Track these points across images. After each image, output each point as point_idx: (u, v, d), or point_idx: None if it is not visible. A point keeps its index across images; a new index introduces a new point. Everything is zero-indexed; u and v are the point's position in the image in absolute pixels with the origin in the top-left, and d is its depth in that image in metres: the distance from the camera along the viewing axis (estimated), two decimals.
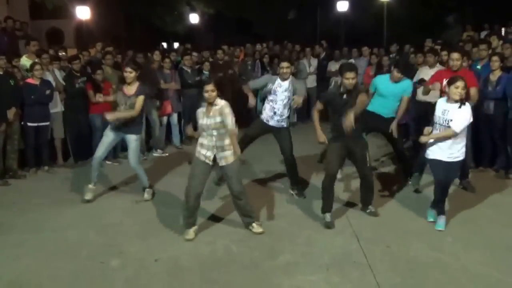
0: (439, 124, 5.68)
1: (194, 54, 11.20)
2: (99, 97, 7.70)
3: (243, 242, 5.52)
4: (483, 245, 5.35)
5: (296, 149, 7.04)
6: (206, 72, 10.63)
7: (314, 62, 12.69)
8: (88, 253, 5.33)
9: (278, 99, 6.75)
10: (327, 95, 6.34)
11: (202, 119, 5.55)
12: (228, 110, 5.50)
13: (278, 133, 6.91)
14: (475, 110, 6.35)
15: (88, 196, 6.85)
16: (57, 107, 8.66)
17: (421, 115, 7.86)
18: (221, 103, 5.53)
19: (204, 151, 5.60)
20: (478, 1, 22.00)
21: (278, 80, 6.77)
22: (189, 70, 10.34)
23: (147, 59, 10.22)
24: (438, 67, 8.12)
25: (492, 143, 7.73)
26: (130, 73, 6.65)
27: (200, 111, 5.61)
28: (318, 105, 6.24)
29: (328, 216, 5.95)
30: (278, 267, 4.94)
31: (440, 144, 5.68)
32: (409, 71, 7.43)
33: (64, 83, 8.75)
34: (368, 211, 6.28)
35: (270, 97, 6.81)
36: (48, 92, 8.20)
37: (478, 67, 8.05)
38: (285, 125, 6.88)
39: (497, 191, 7.06)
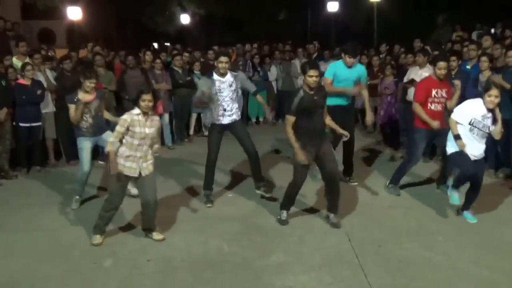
0: (477, 128, 5.72)
1: (185, 54, 11.22)
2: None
3: (235, 242, 5.54)
4: (473, 244, 5.41)
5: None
6: (197, 72, 10.69)
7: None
8: (81, 253, 5.33)
9: (226, 96, 6.55)
10: (299, 104, 5.66)
11: (141, 128, 5.33)
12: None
13: (234, 128, 6.68)
14: None
15: (75, 206, 6.72)
16: (48, 107, 8.66)
17: (411, 115, 7.89)
18: (156, 116, 5.55)
19: (130, 163, 5.42)
20: (467, 2, 22.20)
21: (217, 77, 6.51)
22: (179, 71, 10.39)
23: (138, 60, 10.22)
24: (428, 67, 8.19)
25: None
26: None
27: (136, 119, 5.31)
28: (291, 119, 5.71)
29: (284, 214, 6.01)
30: (270, 267, 4.96)
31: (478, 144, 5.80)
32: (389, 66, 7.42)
33: (55, 83, 8.72)
34: (330, 221, 5.97)
35: (217, 97, 6.51)
36: (39, 92, 8.20)
37: (468, 67, 8.13)
38: (237, 118, 6.70)
39: (487, 190, 7.09)
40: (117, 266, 5.05)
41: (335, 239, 5.58)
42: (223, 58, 6.47)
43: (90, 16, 19.37)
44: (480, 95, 7.34)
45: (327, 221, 5.99)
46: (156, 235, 5.66)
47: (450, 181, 6.25)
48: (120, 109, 9.46)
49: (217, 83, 6.49)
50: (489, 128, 5.69)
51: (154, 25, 28.63)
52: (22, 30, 16.15)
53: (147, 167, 5.50)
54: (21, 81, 8.12)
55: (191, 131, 11.05)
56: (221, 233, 5.76)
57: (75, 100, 6.48)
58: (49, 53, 9.90)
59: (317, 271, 4.87)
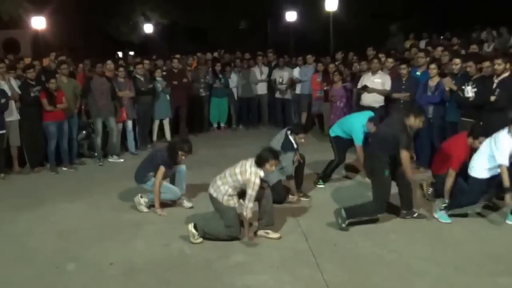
0: None
1: (145, 62, 11.30)
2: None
3: (197, 244, 5.63)
4: (424, 241, 5.65)
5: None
6: (159, 79, 10.80)
7: (266, 70, 12.96)
8: (44, 258, 5.36)
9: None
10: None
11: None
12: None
13: None
14: None
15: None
16: (12, 115, 8.64)
17: None
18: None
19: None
20: (419, 11, 22.93)
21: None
22: (142, 78, 10.46)
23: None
24: (380, 74, 8.53)
25: (431, 145, 8.07)
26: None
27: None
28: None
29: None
30: (231, 267, 5.10)
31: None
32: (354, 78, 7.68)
33: (20, 92, 8.70)
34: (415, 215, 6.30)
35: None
36: (3, 101, 8.21)
37: (418, 73, 8.48)
38: None
39: None
40: (80, 270, 5.09)
41: (293, 239, 5.75)
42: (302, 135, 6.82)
43: (55, 25, 19.21)
44: (428, 99, 7.69)
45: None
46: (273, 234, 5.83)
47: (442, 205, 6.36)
48: (85, 115, 9.56)
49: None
50: None
51: (118, 35, 28.54)
52: None
53: None
54: None
55: (154, 137, 11.15)
56: (183, 235, 5.83)
57: None
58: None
59: (276, 270, 5.02)
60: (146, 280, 4.88)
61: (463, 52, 10.05)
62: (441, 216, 6.18)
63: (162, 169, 6.55)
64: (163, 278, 4.91)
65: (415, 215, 6.29)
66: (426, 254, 5.31)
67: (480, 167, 6.02)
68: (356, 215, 6.06)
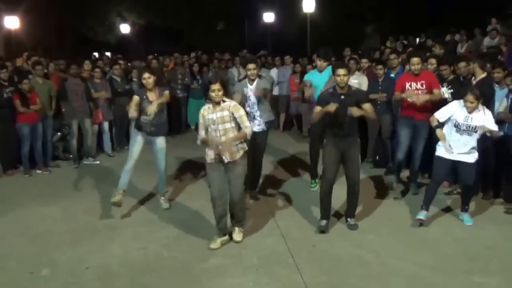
0: (462, 129, 5.94)
1: (121, 62, 11.18)
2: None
3: (174, 246, 5.61)
4: (401, 241, 5.70)
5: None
6: (135, 80, 10.68)
7: (243, 71, 12.94)
8: (17, 263, 5.26)
9: (253, 103, 6.71)
10: (325, 97, 5.96)
11: (208, 114, 5.49)
12: (242, 111, 5.55)
13: (257, 137, 6.69)
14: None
15: (117, 198, 6.43)
16: None
17: None
18: (231, 102, 5.55)
19: (211, 155, 5.53)
20: (394, 13, 23.20)
21: (247, 84, 6.73)
22: (118, 79, 10.35)
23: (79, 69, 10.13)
24: (357, 74, 8.57)
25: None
26: (149, 79, 6.44)
27: (206, 107, 5.56)
28: (317, 109, 5.95)
29: (323, 222, 6.01)
30: (209, 270, 5.07)
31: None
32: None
33: None
34: (347, 223, 6.15)
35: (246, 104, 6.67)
36: None
37: (392, 75, 8.54)
38: (265, 128, 6.83)
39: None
40: (54, 274, 5.01)
41: (271, 241, 5.74)
42: (251, 65, 6.64)
43: (29, 25, 19.02)
44: None
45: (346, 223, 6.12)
46: (238, 234, 5.72)
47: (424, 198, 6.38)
48: (60, 116, 9.40)
49: (245, 90, 6.67)
50: (474, 128, 5.92)
51: (93, 35, 28.26)
52: None
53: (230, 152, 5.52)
54: None
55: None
56: (160, 238, 5.82)
57: None
58: None
59: (254, 272, 5.01)
60: (122, 285, 4.82)
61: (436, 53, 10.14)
62: (466, 219, 6.25)
63: (135, 97, 6.45)
64: (140, 282, 4.85)
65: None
66: (403, 254, 5.35)
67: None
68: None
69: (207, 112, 5.51)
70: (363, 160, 8.80)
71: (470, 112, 5.89)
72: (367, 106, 5.90)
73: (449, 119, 6.04)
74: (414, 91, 6.90)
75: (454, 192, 7.18)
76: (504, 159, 6.75)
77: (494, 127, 5.92)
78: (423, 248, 5.51)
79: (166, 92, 6.57)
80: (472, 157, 6.04)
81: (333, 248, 5.54)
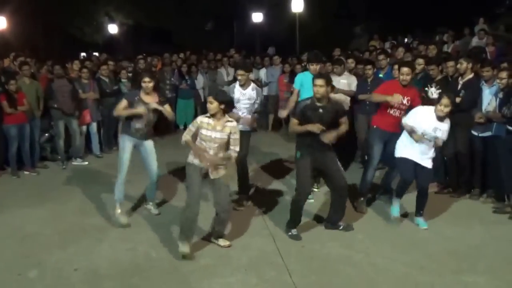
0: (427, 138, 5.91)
1: (110, 63, 11.11)
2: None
3: (163, 247, 5.59)
4: (389, 241, 5.72)
5: None
6: (124, 81, 10.64)
7: (231, 71, 12.94)
8: (5, 265, 5.22)
9: (243, 107, 6.73)
10: (302, 110, 5.75)
11: (207, 131, 5.30)
12: (238, 135, 5.41)
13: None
14: None
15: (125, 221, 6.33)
16: None
17: None
18: (233, 123, 5.40)
19: (197, 161, 5.41)
20: (382, 13, 23.31)
21: (238, 88, 6.74)
22: (106, 80, 10.29)
23: (66, 69, 10.05)
24: (346, 74, 8.58)
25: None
26: (149, 83, 6.28)
27: (205, 121, 5.33)
28: (295, 121, 5.79)
29: (295, 230, 5.89)
30: (197, 270, 5.05)
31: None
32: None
33: None
34: (341, 227, 6.05)
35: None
36: None
37: (381, 75, 8.57)
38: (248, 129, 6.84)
39: None
40: (42, 276, 4.97)
41: (260, 241, 5.75)
42: (240, 72, 6.71)
43: (16, 25, 18.86)
44: None
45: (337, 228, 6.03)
46: (223, 242, 5.63)
47: (394, 193, 6.41)
48: (48, 117, 9.33)
49: (236, 92, 6.68)
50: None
51: (81, 35, 28.11)
52: None
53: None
54: None
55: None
56: (149, 239, 5.79)
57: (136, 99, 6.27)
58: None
59: (243, 272, 5.01)
60: (111, 286, 4.79)
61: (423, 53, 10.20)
62: (421, 223, 6.21)
63: (123, 101, 6.31)
64: (129, 283, 4.83)
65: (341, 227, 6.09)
66: (392, 254, 5.38)
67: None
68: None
69: (205, 128, 5.32)
70: (352, 160, 8.85)
71: (441, 119, 5.83)
72: (342, 126, 5.73)
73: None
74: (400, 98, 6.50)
75: (445, 191, 7.22)
76: (492, 159, 6.80)
77: (445, 137, 5.94)
78: (412, 248, 5.54)
79: (167, 107, 6.44)
80: (431, 163, 6.06)
81: (322, 248, 5.55)
